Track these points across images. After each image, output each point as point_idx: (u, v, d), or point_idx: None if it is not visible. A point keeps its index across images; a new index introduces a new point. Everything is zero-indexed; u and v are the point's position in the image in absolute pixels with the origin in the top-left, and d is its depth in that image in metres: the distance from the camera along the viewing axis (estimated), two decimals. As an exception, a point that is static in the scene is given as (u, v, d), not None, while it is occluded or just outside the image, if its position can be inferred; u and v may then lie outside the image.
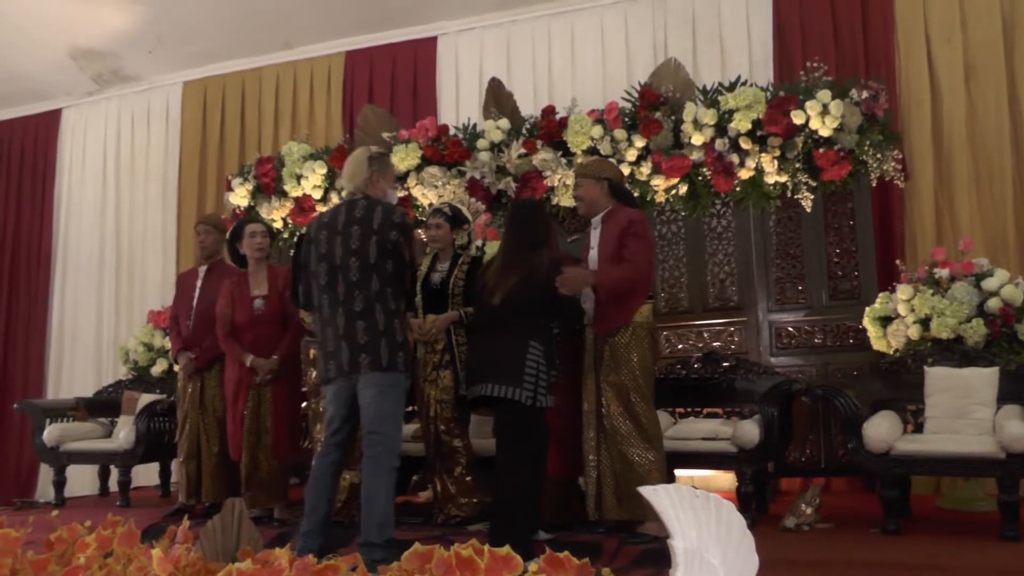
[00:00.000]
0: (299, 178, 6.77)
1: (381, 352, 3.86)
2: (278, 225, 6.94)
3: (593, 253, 4.50)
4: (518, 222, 4.43)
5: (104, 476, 7.06)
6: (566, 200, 5.96)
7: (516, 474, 4.06)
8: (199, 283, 5.80)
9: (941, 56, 6.22)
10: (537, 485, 4.15)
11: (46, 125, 9.38)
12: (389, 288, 3.95)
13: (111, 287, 8.81)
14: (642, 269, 4.35)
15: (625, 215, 4.45)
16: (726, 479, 5.61)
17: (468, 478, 4.92)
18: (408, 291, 4.23)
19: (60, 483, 6.51)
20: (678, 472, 4.96)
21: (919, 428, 4.76)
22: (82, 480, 7.48)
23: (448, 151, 6.31)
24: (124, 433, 6.26)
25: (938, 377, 4.71)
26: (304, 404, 5.35)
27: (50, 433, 6.49)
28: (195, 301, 5.76)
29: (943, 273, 5.08)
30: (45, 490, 8.11)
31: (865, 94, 5.46)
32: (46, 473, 7.82)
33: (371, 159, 4.16)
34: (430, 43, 7.82)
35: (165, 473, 6.87)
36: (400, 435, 4.06)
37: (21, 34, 7.84)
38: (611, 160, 5.62)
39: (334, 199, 6.65)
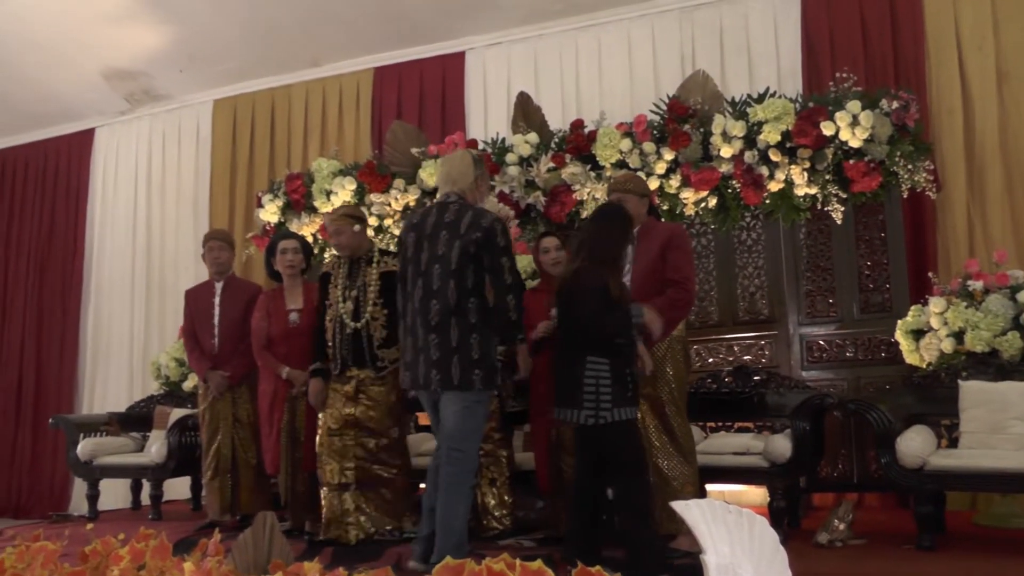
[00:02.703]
0: (329, 194, 6.81)
1: (452, 370, 3.79)
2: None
3: (628, 267, 4.48)
4: (591, 231, 4.08)
5: (136, 490, 7.13)
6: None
7: (607, 500, 3.84)
8: (217, 300, 5.83)
9: (972, 63, 6.14)
10: (644, 506, 3.83)
11: (79, 144, 9.51)
12: (470, 300, 3.83)
13: (142, 303, 8.88)
14: (688, 287, 4.31)
15: (664, 228, 4.44)
16: (758, 494, 5.56)
17: (507, 491, 4.92)
18: (510, 307, 3.96)
19: (93, 497, 6.59)
20: (709, 487, 4.92)
21: (953, 443, 4.69)
22: (115, 494, 7.55)
23: (476, 166, 6.32)
24: (156, 447, 6.31)
25: (973, 391, 4.64)
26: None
27: (83, 448, 6.57)
28: (216, 319, 5.79)
29: (977, 285, 5.01)
30: (79, 504, 8.19)
31: (895, 104, 5.41)
32: (80, 487, 7.90)
33: (476, 161, 4.12)
34: (458, 58, 7.85)
35: (196, 487, 6.91)
36: (477, 453, 4.02)
37: (55, 56, 7.97)
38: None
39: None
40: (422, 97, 7.91)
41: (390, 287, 4.70)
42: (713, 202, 5.81)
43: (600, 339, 3.85)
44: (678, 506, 1.78)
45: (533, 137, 6.29)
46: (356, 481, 4.78)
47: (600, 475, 3.92)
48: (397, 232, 6.65)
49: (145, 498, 6.76)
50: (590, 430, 3.81)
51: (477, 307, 3.85)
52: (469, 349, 3.80)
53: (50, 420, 7.23)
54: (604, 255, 3.94)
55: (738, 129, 5.62)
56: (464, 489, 3.84)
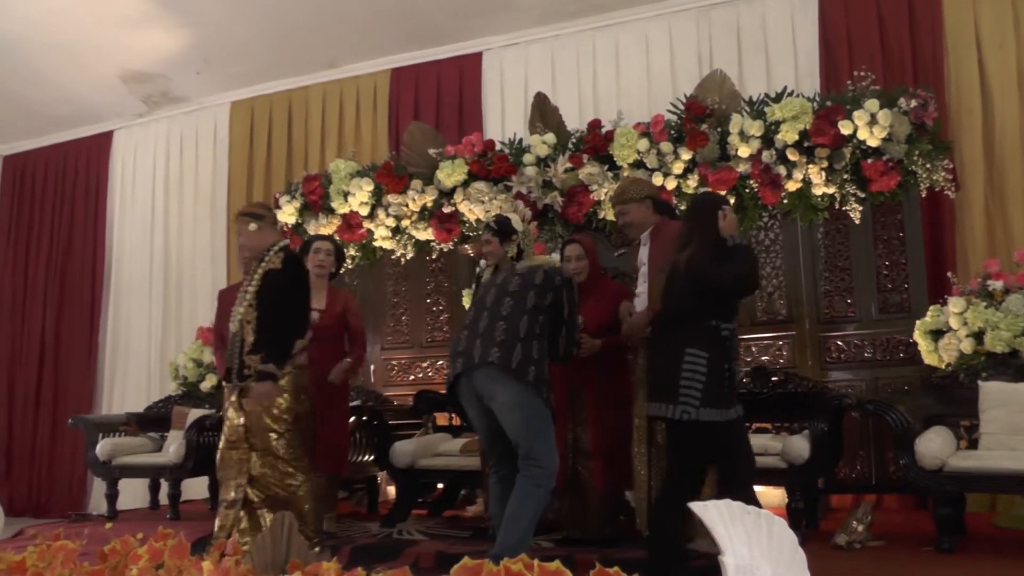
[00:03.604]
0: (346, 195, 6.82)
1: (513, 354, 3.81)
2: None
3: (644, 269, 4.47)
4: (694, 221, 3.91)
5: (154, 489, 7.17)
6: (613, 215, 5.95)
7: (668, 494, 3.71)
8: None
9: (992, 61, 6.09)
10: (677, 508, 3.57)
11: (98, 147, 9.57)
12: (539, 316, 3.94)
13: (161, 304, 8.93)
14: None
15: (678, 228, 4.42)
16: (776, 495, 5.54)
17: None
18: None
19: (112, 496, 6.64)
20: (726, 488, 4.90)
21: (973, 444, 4.66)
22: (133, 493, 7.60)
23: (494, 166, 6.33)
24: (174, 447, 6.35)
25: (993, 392, 4.61)
26: (352, 419, 5.37)
27: (102, 448, 6.61)
28: None
29: (997, 285, 4.98)
30: (98, 503, 8.24)
31: (914, 103, 5.38)
32: (99, 486, 7.94)
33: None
34: (475, 59, 7.85)
35: (214, 486, 6.93)
36: (555, 454, 3.88)
37: (74, 60, 8.02)
38: (644, 178, 5.59)
39: (381, 215, 6.70)
40: (439, 98, 7.91)
41: (267, 287, 4.30)
42: (731, 202, 5.78)
43: (712, 286, 3.66)
44: (696, 507, 1.77)
45: (550, 137, 6.28)
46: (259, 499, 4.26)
47: (705, 472, 3.75)
48: (415, 233, 6.66)
49: (163, 498, 6.80)
50: (685, 427, 3.59)
51: (543, 325, 3.96)
52: (531, 348, 3.87)
53: (69, 420, 7.28)
54: (714, 242, 3.76)
55: (756, 128, 5.59)
56: (539, 494, 3.79)
